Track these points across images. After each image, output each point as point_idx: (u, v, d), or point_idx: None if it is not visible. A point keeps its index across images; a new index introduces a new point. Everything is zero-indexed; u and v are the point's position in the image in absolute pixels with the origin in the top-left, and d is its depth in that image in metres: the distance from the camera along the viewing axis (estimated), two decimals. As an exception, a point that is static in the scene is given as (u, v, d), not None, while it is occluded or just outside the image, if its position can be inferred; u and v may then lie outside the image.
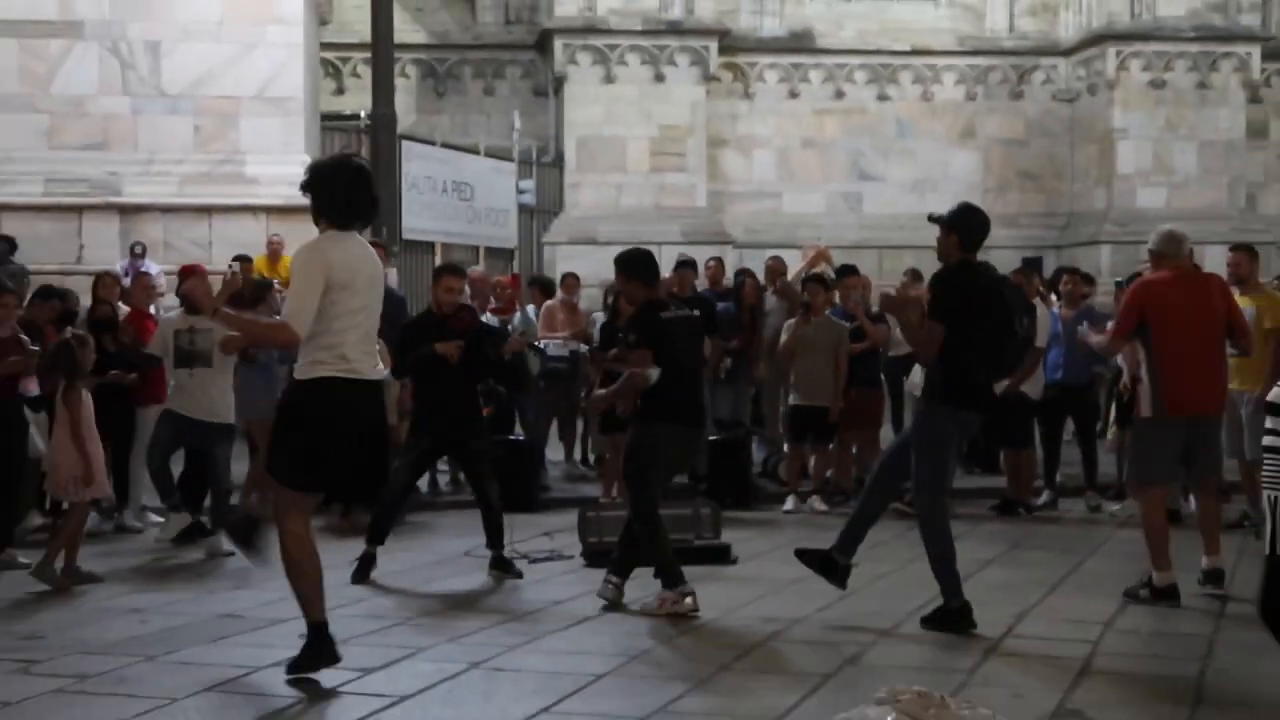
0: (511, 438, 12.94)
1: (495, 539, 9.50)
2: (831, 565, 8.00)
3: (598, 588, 8.31)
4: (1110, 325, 9.53)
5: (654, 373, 8.07)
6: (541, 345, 13.33)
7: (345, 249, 6.35)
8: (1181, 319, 8.38)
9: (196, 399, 10.46)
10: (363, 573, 9.16)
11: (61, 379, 9.42)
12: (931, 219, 8.08)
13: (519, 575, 9.39)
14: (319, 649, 6.33)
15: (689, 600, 8.00)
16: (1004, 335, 7.91)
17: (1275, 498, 4.83)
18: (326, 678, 6.26)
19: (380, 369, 6.69)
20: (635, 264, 8.69)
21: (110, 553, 10.26)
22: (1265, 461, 5.06)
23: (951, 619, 7.63)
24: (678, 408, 8.27)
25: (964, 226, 7.91)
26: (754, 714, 6.03)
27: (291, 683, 6.25)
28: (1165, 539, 8.50)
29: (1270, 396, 5.14)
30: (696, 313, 9.23)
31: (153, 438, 10.74)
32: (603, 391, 9.99)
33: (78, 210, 16.87)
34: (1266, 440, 5.04)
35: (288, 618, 7.55)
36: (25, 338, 9.99)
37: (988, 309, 7.82)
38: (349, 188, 6.44)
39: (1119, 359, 11.05)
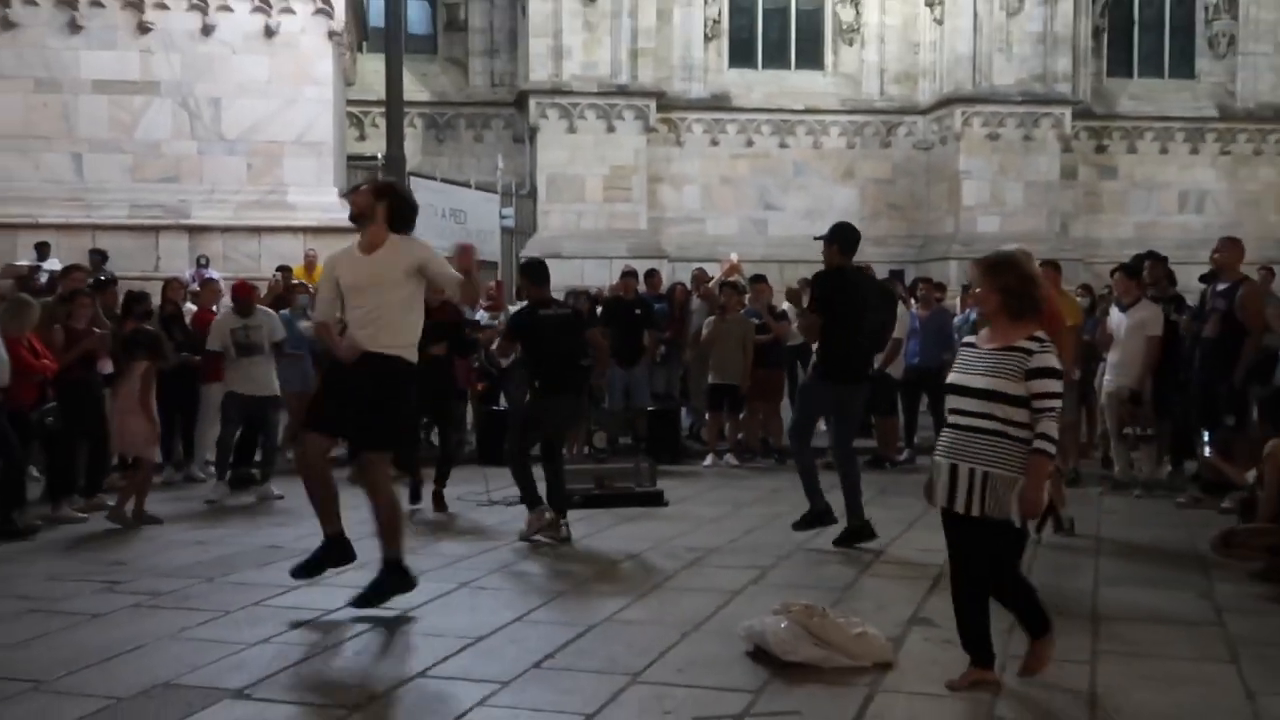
0: (495, 407, 12.87)
1: (442, 478, 9.66)
2: (861, 529, 8.03)
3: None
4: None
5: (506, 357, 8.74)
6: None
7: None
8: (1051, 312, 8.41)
9: (254, 380, 10.39)
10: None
11: (141, 360, 9.33)
12: (817, 238, 8.22)
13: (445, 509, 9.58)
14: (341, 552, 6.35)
15: (547, 515, 8.21)
16: (863, 322, 8.04)
17: (952, 466, 4.83)
18: (345, 594, 6.19)
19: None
20: (530, 269, 8.96)
21: (180, 497, 10.20)
22: (943, 435, 5.01)
23: (814, 519, 8.03)
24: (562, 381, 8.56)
25: (842, 238, 8.06)
26: (681, 620, 6.03)
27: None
28: None
29: (950, 379, 5.05)
30: (568, 311, 9.31)
31: (224, 417, 10.64)
32: None
33: (155, 230, 16.71)
34: (950, 418, 4.96)
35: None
36: (97, 329, 9.86)
37: (852, 302, 7.95)
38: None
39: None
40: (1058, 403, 4.81)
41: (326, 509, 6.26)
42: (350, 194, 6.32)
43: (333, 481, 6.32)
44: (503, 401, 13.26)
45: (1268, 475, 6.92)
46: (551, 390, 8.50)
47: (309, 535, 8.10)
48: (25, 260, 15.20)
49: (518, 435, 8.60)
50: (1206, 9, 26.48)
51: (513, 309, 12.36)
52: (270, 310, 11.04)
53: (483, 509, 9.54)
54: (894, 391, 12.31)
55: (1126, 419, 10.39)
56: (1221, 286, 9.56)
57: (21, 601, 6.44)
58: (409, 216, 6.24)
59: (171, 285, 12.18)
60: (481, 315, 12.64)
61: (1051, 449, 4.80)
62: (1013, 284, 4.89)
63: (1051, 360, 4.82)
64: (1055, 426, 4.80)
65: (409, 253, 6.09)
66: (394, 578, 6.13)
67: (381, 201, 6.12)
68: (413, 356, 6.20)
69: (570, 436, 12.09)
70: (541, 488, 8.34)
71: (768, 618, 5.46)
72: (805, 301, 8.60)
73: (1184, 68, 26.78)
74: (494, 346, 10.58)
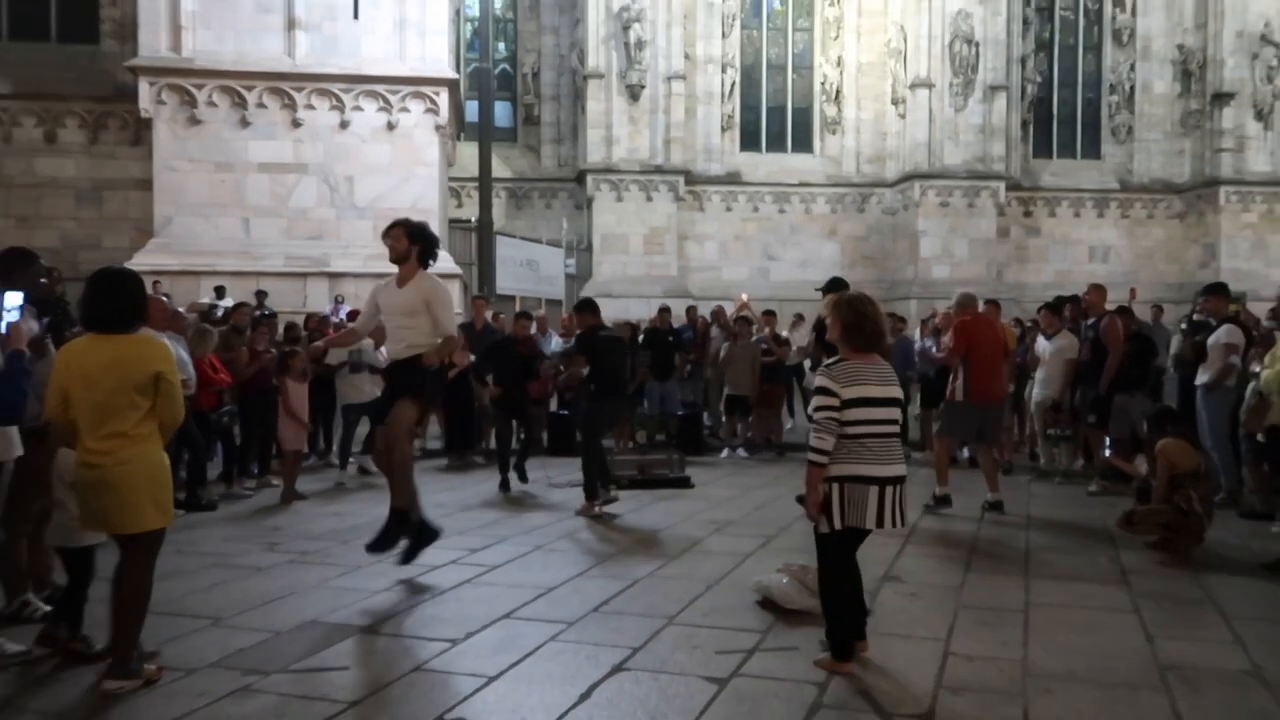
0: (564, 411, 12.86)
1: (523, 459, 9.82)
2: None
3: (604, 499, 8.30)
4: (946, 342, 9.38)
5: (584, 369, 8.43)
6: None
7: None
8: (982, 341, 8.38)
9: (361, 390, 10.39)
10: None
11: (293, 374, 9.45)
12: (817, 289, 8.36)
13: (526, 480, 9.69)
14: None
15: (596, 509, 8.10)
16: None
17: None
18: (447, 555, 6.20)
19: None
20: (586, 305, 8.96)
21: (322, 479, 10.25)
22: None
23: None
24: (609, 389, 8.51)
25: (835, 289, 8.01)
26: (708, 576, 6.02)
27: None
28: (946, 467, 8.58)
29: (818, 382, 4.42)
30: (618, 334, 9.44)
31: (344, 421, 10.66)
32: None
33: (303, 276, 16.84)
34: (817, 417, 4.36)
35: (429, 517, 7.50)
36: (272, 350, 9.97)
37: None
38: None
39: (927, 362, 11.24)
40: (821, 416, 4.28)
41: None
42: (386, 237, 6.10)
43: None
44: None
45: (1159, 469, 6.83)
46: (606, 393, 8.53)
47: (423, 508, 8.15)
48: (206, 298, 15.39)
49: (589, 437, 8.47)
50: (1109, 105, 26.30)
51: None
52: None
53: (552, 489, 9.57)
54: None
55: (1050, 423, 10.33)
56: (1090, 321, 9.62)
57: (205, 558, 6.51)
58: (434, 251, 6.20)
59: (312, 319, 12.25)
60: (556, 343, 12.72)
61: (812, 457, 4.30)
62: (849, 319, 4.43)
63: (821, 380, 4.36)
64: (819, 439, 4.27)
65: (424, 290, 6.02)
66: (404, 527, 6.00)
67: (415, 245, 6.06)
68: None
69: (618, 434, 12.11)
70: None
71: (772, 575, 5.45)
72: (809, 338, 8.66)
73: (1092, 151, 26.57)
74: (561, 371, 10.63)
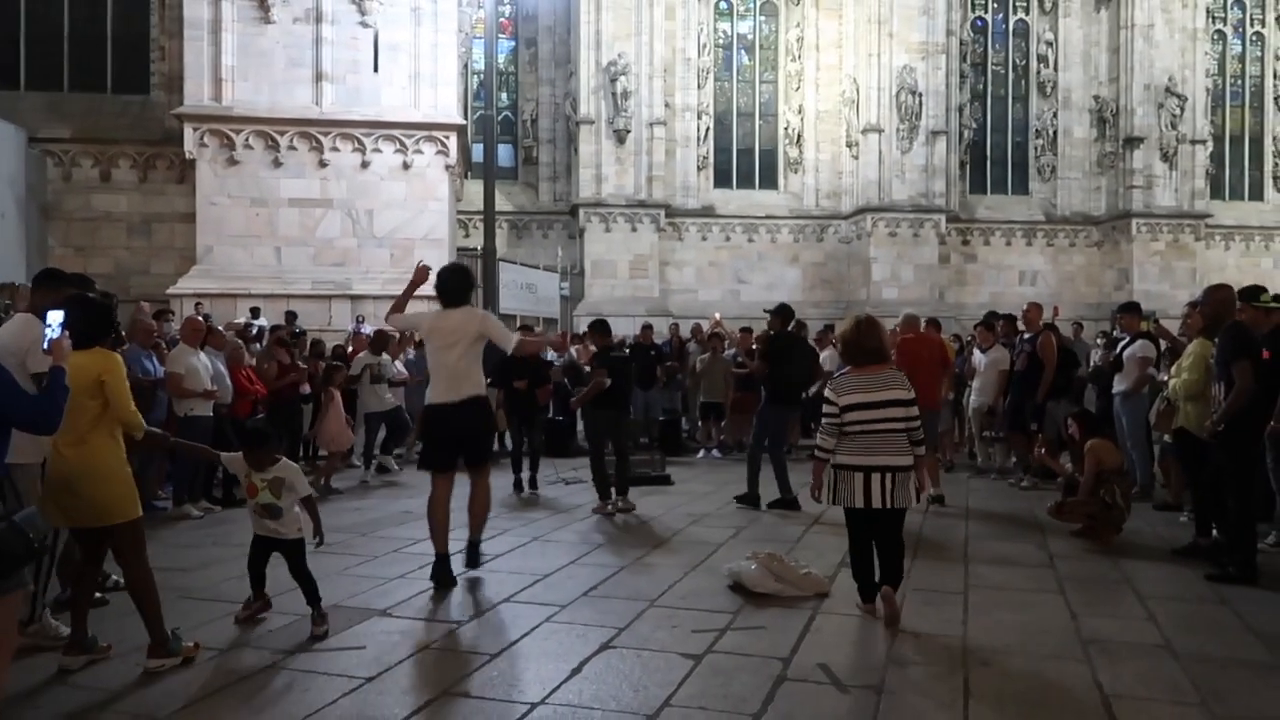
0: (560, 418, 12.78)
1: (535, 467, 9.55)
2: (790, 500, 8.00)
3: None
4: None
5: (607, 381, 8.25)
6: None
7: (436, 316, 5.65)
8: (922, 357, 8.37)
9: (381, 399, 10.36)
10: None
11: (330, 385, 9.45)
12: (765, 310, 8.63)
13: (537, 488, 9.35)
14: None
15: (609, 506, 7.95)
16: (794, 366, 8.32)
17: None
18: (455, 546, 6.11)
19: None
20: (600, 326, 8.86)
21: (347, 477, 10.17)
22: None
23: (787, 504, 7.94)
24: (611, 400, 8.38)
25: (780, 314, 8.40)
26: (685, 563, 5.99)
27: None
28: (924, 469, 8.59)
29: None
30: (627, 353, 9.27)
31: (366, 428, 10.61)
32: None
33: (328, 299, 16.72)
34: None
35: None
36: (301, 365, 9.92)
37: (789, 353, 8.26)
38: (444, 283, 5.66)
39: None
40: (824, 421, 4.69)
41: (443, 529, 5.58)
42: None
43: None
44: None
45: (1087, 465, 6.84)
46: (610, 404, 8.43)
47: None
48: (242, 318, 15.29)
49: (596, 446, 8.31)
50: (1035, 148, 26.39)
51: (572, 350, 12.45)
52: (393, 360, 10.95)
53: (552, 486, 9.53)
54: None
55: (985, 425, 10.35)
56: (1028, 335, 9.61)
57: (238, 548, 6.36)
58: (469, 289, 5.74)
59: (339, 348, 12.10)
60: (551, 356, 12.57)
61: (817, 453, 4.76)
62: (846, 340, 4.84)
63: (825, 391, 4.78)
64: (822, 439, 4.71)
65: (475, 320, 5.58)
66: (475, 552, 5.78)
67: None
68: (484, 391, 5.70)
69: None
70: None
71: (743, 561, 5.42)
72: (757, 354, 8.72)
73: (1021, 188, 26.66)
74: (576, 389, 10.42)
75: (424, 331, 5.76)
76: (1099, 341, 13.95)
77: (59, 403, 3.38)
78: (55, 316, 3.85)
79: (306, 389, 10.01)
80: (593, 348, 9.03)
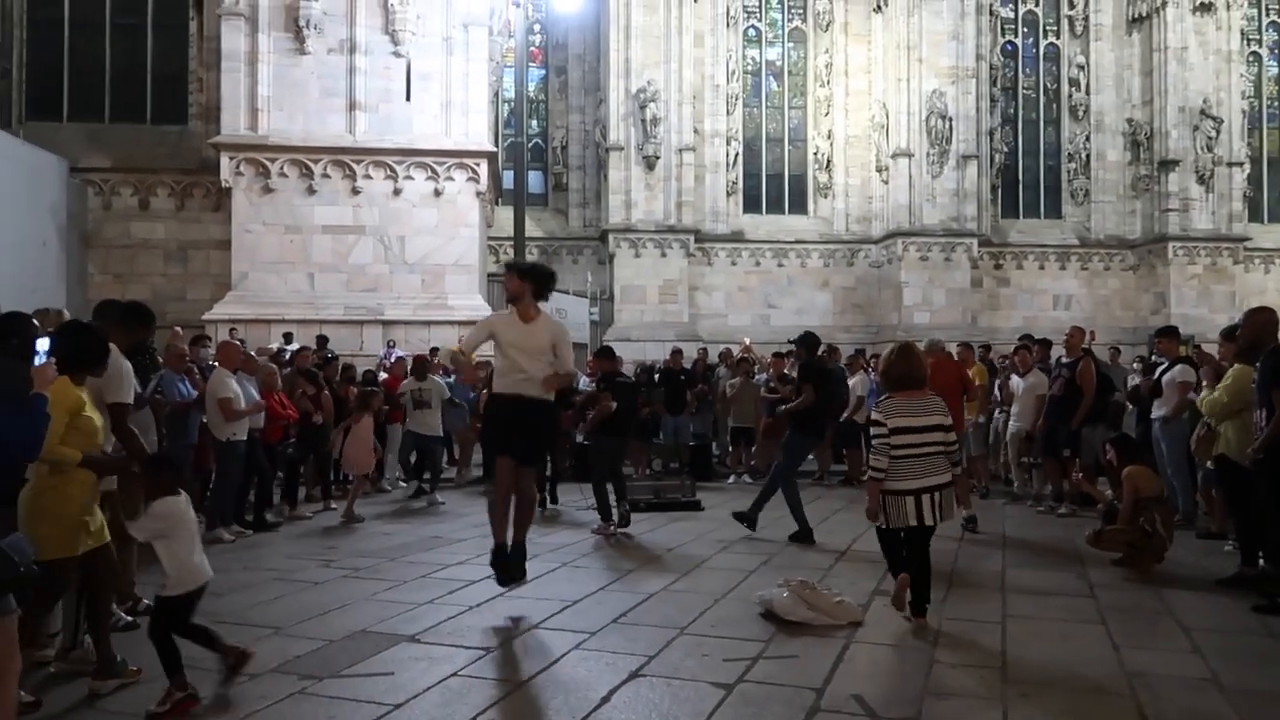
0: (583, 441, 12.75)
1: (554, 488, 9.65)
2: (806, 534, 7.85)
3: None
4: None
5: (613, 405, 8.35)
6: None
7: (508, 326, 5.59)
8: (945, 381, 8.27)
9: (425, 423, 10.44)
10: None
11: (360, 411, 9.50)
12: (790, 341, 8.79)
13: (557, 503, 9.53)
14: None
15: (610, 528, 8.03)
16: (828, 394, 8.29)
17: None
18: (483, 571, 6.07)
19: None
20: (606, 352, 9.07)
21: (373, 501, 10.20)
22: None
23: (801, 536, 7.69)
24: (616, 427, 8.46)
25: (806, 344, 8.24)
26: (715, 590, 5.92)
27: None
28: None
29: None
30: (631, 380, 9.37)
31: (402, 446, 10.68)
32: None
33: (360, 324, 16.82)
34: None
35: (468, 538, 7.43)
36: (326, 393, 10.00)
37: (825, 378, 8.19)
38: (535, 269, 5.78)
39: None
40: (876, 442, 5.04)
41: (503, 519, 5.56)
42: (506, 278, 5.66)
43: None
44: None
45: (1125, 492, 6.69)
46: (613, 431, 8.47)
47: (463, 529, 8.11)
48: (275, 343, 15.43)
49: (600, 470, 8.42)
50: (1068, 171, 26.16)
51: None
52: (437, 378, 11.07)
53: (579, 510, 9.48)
54: (860, 431, 12.08)
55: (1024, 451, 10.20)
56: (1067, 360, 9.50)
57: (268, 573, 6.45)
58: (550, 285, 5.75)
59: (370, 372, 12.20)
60: (584, 381, 12.58)
61: (871, 474, 5.08)
62: (886, 366, 5.27)
63: (874, 414, 5.18)
64: (875, 460, 5.04)
65: (551, 330, 5.56)
66: (519, 553, 5.65)
67: (527, 282, 5.58)
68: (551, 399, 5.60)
69: (635, 461, 12.00)
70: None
71: (774, 589, 5.34)
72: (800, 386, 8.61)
73: (1054, 211, 26.40)
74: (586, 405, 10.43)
75: (496, 338, 5.58)
76: (1135, 366, 13.72)
77: (39, 430, 3.35)
78: (43, 344, 3.85)
79: (319, 419, 9.88)
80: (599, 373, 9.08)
